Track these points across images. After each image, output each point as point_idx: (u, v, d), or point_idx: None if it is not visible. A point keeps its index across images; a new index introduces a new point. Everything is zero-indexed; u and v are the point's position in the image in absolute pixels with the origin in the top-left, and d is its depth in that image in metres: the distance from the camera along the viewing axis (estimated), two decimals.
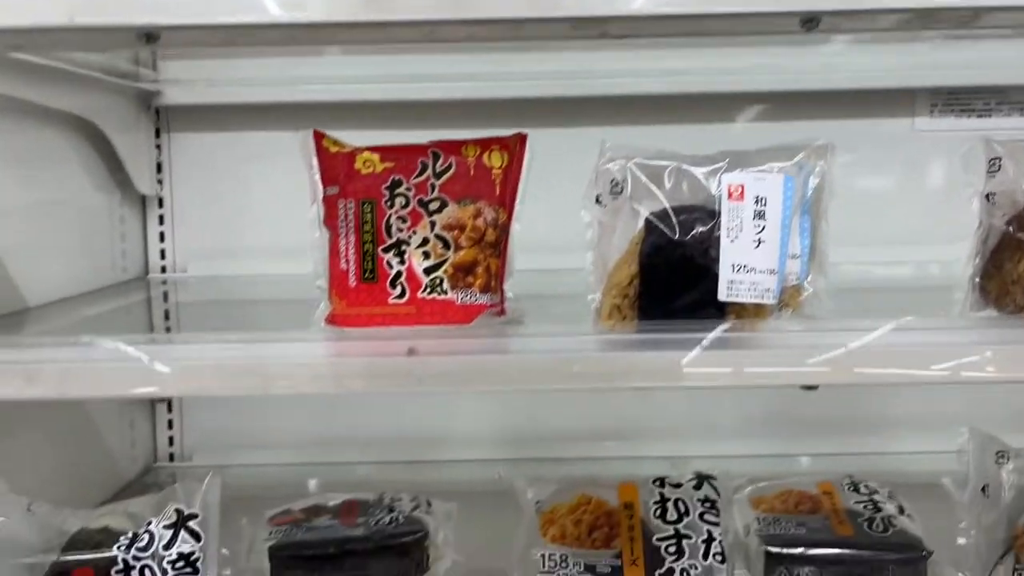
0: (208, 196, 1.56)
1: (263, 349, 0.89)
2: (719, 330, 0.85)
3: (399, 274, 1.00)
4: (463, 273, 1.00)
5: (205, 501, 0.93)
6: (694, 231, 0.89)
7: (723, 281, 0.88)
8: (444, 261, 1.00)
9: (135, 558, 0.90)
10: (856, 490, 1.17)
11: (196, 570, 0.92)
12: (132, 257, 1.56)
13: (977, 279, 1.00)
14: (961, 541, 1.05)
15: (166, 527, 0.92)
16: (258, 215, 1.56)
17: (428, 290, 1.00)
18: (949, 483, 1.10)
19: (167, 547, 0.91)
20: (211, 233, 1.56)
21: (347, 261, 1.00)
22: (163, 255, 1.59)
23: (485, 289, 1.01)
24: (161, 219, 1.58)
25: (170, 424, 1.62)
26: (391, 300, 1.00)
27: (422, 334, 0.92)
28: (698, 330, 0.86)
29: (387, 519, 1.14)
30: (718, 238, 0.88)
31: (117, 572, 0.90)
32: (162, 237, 1.59)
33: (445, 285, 1.00)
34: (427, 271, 1.00)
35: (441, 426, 1.58)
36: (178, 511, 0.93)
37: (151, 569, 0.90)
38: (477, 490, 1.33)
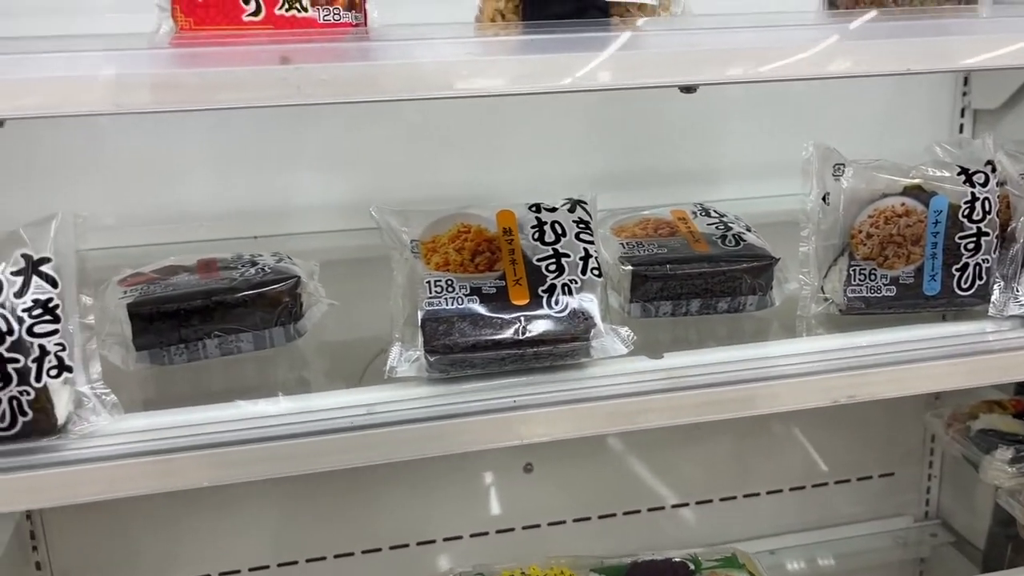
0: None
1: (105, 62, 0.78)
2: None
3: None
4: None
5: (57, 245, 0.83)
6: None
7: None
8: None
9: None
10: (707, 215, 1.25)
11: (56, 317, 0.84)
12: None
13: None
14: (803, 249, 1.14)
15: (14, 274, 0.82)
16: None
17: (286, 7, 0.91)
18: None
19: (19, 295, 0.82)
20: None
21: None
22: None
23: (349, 7, 0.93)
24: None
25: None
26: (245, 17, 0.90)
27: (292, 48, 0.83)
28: (585, 29, 0.83)
29: (253, 271, 1.09)
30: None
31: None
32: None
33: (304, 1, 0.91)
34: None
35: (283, 201, 1.50)
36: (26, 256, 0.83)
37: (4, 318, 0.81)
38: (334, 258, 1.30)
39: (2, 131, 0.78)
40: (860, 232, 1.10)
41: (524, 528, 1.76)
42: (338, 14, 0.93)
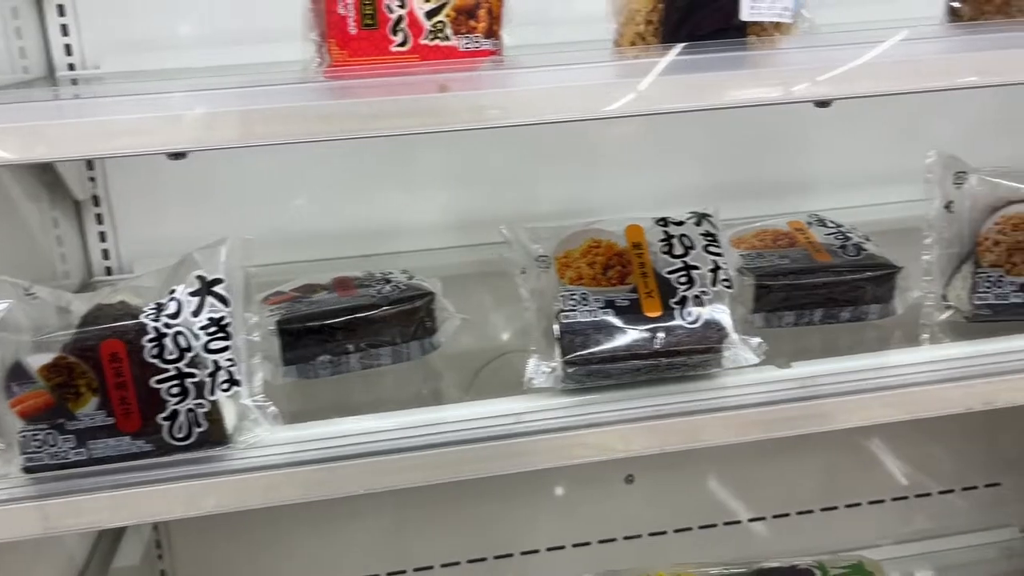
0: None
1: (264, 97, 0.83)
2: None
3: (400, 19, 0.94)
4: (465, 16, 0.96)
5: (228, 265, 0.89)
6: None
7: (745, 2, 0.89)
8: (445, 4, 0.95)
9: (166, 326, 0.86)
10: (824, 225, 1.26)
11: (228, 335, 0.89)
12: (32, 55, 1.39)
13: (951, 3, 1.05)
14: (926, 257, 1.15)
15: (192, 294, 0.88)
16: None
17: (431, 36, 0.96)
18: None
19: (196, 314, 0.88)
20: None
21: (345, 6, 0.93)
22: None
23: (488, 34, 0.97)
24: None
25: (102, 236, 1.51)
26: (393, 48, 0.95)
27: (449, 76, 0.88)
28: (728, 50, 0.86)
29: (388, 288, 1.13)
30: None
31: (149, 341, 0.86)
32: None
33: (448, 31, 0.96)
34: (429, 15, 0.95)
35: (398, 218, 1.55)
36: (200, 278, 0.88)
37: (184, 336, 0.87)
38: (454, 273, 1.34)
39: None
40: (987, 239, 1.10)
41: (626, 538, 1.78)
42: (478, 42, 0.97)
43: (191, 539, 1.61)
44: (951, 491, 1.89)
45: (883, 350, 1.09)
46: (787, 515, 1.83)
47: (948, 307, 1.15)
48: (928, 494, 1.88)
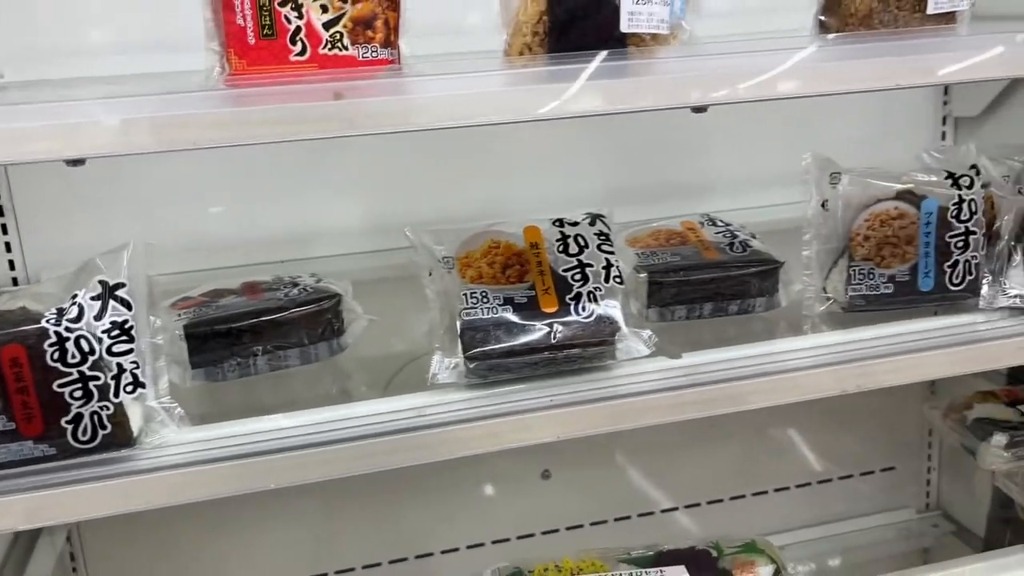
0: None
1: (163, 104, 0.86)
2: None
3: (299, 29, 0.98)
4: (363, 27, 1.00)
5: (131, 271, 0.91)
6: None
7: (624, 13, 0.95)
8: (343, 15, 0.99)
9: (67, 330, 0.88)
10: (714, 224, 1.33)
11: (131, 338, 0.91)
12: None
13: (819, 17, 1.14)
14: (805, 253, 1.23)
15: (93, 299, 0.89)
16: None
17: (329, 46, 0.99)
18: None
19: (98, 318, 0.89)
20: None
21: (244, 17, 0.96)
22: None
23: (385, 44, 1.01)
24: None
25: (7, 247, 1.50)
26: (292, 58, 0.99)
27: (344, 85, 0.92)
28: (605, 59, 0.92)
29: (296, 291, 1.16)
30: None
31: (51, 345, 0.87)
32: None
33: (345, 40, 1.00)
34: (326, 25, 0.98)
35: (311, 225, 1.57)
36: (102, 282, 0.90)
37: (87, 339, 0.88)
38: (367, 277, 1.37)
39: None
40: (858, 235, 1.19)
41: (544, 533, 1.83)
42: (376, 51, 1.01)
43: (105, 550, 1.60)
44: (850, 476, 1.99)
45: (767, 340, 1.16)
46: (698, 504, 1.91)
47: (827, 299, 1.23)
48: (829, 480, 1.98)
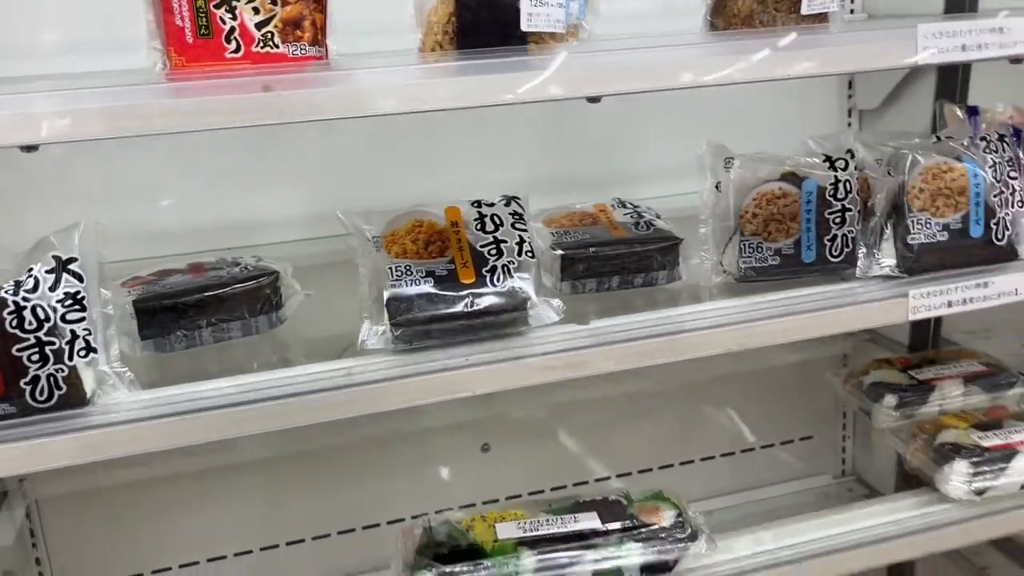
0: None
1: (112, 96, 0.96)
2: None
3: (233, 29, 1.09)
4: (292, 27, 1.11)
5: (82, 248, 1.01)
6: None
7: (524, 14, 1.07)
8: (273, 16, 1.10)
9: (24, 299, 0.98)
10: (624, 206, 1.46)
11: (83, 307, 1.01)
12: None
13: (708, 18, 1.27)
14: (702, 230, 1.36)
15: (48, 272, 1.00)
16: None
17: (261, 44, 1.10)
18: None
19: (52, 289, 0.99)
20: None
21: (182, 18, 1.07)
22: None
23: (313, 42, 1.13)
24: None
25: None
26: (228, 55, 1.10)
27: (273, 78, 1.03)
28: (506, 55, 1.04)
29: (237, 269, 1.27)
30: None
31: (9, 314, 0.97)
32: None
33: (276, 39, 1.11)
34: (258, 26, 1.10)
35: (257, 214, 1.67)
36: (56, 257, 1.00)
37: (42, 308, 0.98)
38: (309, 263, 1.48)
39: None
40: (747, 213, 1.33)
41: (484, 503, 1.95)
42: (305, 49, 1.12)
43: (63, 527, 1.69)
44: (772, 445, 2.14)
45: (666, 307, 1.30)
46: (630, 474, 2.04)
47: (723, 271, 1.37)
48: (752, 449, 2.12)
